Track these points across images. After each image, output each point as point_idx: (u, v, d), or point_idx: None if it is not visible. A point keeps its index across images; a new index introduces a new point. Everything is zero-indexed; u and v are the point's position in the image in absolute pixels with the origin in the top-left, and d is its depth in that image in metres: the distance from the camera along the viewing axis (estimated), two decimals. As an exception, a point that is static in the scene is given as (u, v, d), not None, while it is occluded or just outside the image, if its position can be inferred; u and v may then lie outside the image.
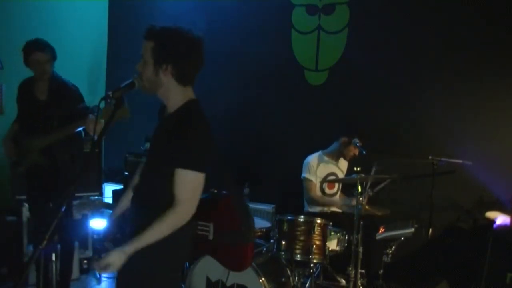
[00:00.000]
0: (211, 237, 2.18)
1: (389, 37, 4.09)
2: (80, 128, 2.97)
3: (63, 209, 1.61)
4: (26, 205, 3.62)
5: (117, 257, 1.66)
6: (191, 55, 1.92)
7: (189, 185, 1.76)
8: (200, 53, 1.98)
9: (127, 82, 1.87)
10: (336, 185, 3.87)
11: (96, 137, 1.83)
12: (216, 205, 2.18)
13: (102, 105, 1.86)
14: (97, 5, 5.20)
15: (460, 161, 3.52)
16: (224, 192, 2.39)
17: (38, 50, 3.02)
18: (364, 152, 3.53)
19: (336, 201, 3.85)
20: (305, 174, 3.84)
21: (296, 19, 4.45)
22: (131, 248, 1.68)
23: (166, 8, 5.03)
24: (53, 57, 3.11)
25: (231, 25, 4.70)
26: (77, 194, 4.07)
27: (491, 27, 3.76)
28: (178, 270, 1.99)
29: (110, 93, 1.84)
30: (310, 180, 3.80)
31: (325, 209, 3.84)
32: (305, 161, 3.89)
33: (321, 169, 3.84)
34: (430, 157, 3.55)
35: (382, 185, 3.40)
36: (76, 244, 3.88)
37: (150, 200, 1.85)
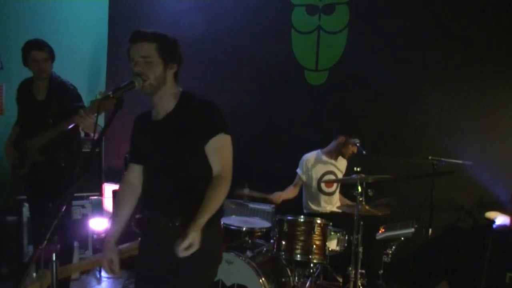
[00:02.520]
0: None
1: (389, 37, 4.09)
2: (72, 125, 2.94)
3: (63, 209, 1.61)
4: (26, 205, 3.63)
5: (196, 234, 1.67)
6: (181, 55, 2.07)
7: (227, 148, 1.92)
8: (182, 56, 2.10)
9: (127, 82, 1.87)
10: (334, 183, 3.88)
11: (95, 136, 1.85)
12: None
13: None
14: (97, 5, 5.20)
15: (460, 161, 3.52)
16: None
17: (35, 49, 3.04)
18: (364, 152, 3.54)
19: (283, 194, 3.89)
20: (297, 170, 3.92)
21: (296, 19, 4.45)
22: (201, 221, 1.71)
23: (166, 8, 5.03)
24: (51, 56, 3.11)
25: (231, 25, 4.71)
26: (77, 194, 4.11)
27: (491, 27, 3.77)
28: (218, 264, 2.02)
29: (110, 93, 1.84)
30: (300, 176, 3.89)
31: (327, 208, 3.86)
32: (302, 158, 3.92)
33: (317, 168, 3.85)
34: (430, 157, 3.55)
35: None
36: (76, 244, 3.89)
37: (190, 182, 1.90)
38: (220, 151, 1.90)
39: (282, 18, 4.48)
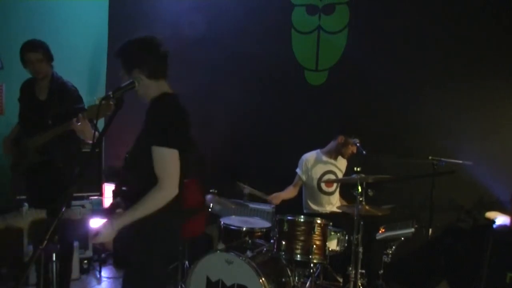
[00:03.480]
0: None
1: (389, 37, 4.09)
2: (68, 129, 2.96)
3: (63, 209, 1.61)
4: (26, 205, 3.63)
5: (107, 229, 1.91)
6: (148, 55, 2.11)
7: (163, 161, 1.95)
8: (154, 50, 2.16)
9: (127, 82, 1.88)
10: (334, 183, 3.88)
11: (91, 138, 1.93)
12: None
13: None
14: (97, 5, 5.20)
15: (460, 161, 3.52)
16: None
17: (29, 51, 3.03)
18: (364, 152, 3.54)
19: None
20: (297, 169, 3.92)
21: (296, 19, 4.45)
22: (118, 221, 1.92)
23: (166, 8, 5.03)
24: (47, 57, 3.09)
25: (231, 25, 4.71)
26: (77, 194, 4.11)
27: (491, 27, 3.77)
28: (169, 258, 2.19)
29: (110, 93, 1.85)
30: (299, 176, 3.89)
31: (326, 208, 3.86)
32: (302, 157, 3.92)
33: (317, 168, 3.85)
34: (430, 157, 3.56)
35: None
36: (76, 244, 3.89)
37: (138, 180, 2.07)
38: (157, 162, 1.95)
39: (282, 18, 4.49)
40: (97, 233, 1.92)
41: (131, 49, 2.10)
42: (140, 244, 2.04)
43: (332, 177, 3.84)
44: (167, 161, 1.95)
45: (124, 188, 2.09)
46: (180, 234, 2.18)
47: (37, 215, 2.14)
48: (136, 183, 2.08)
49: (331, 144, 3.90)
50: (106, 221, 1.94)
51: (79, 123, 2.73)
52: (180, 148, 1.98)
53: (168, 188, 1.95)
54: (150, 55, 2.09)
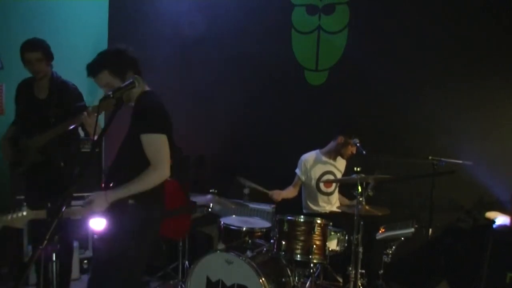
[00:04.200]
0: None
1: (389, 37, 4.09)
2: (73, 126, 2.96)
3: (63, 209, 1.61)
4: (26, 204, 3.62)
5: (100, 197, 2.03)
6: (115, 61, 2.23)
7: (155, 145, 2.08)
8: (118, 56, 2.25)
9: (127, 82, 1.88)
10: (333, 183, 3.88)
11: (95, 136, 1.95)
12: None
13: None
14: (97, 5, 5.20)
15: (460, 161, 3.52)
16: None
17: (28, 50, 3.02)
18: (364, 152, 3.54)
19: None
20: (296, 170, 3.92)
21: (296, 19, 4.45)
22: (112, 194, 2.05)
23: (166, 8, 5.03)
24: (46, 56, 3.09)
25: (231, 25, 4.71)
26: (77, 194, 4.11)
27: (491, 27, 3.77)
28: (146, 250, 2.24)
29: (110, 93, 1.86)
30: (298, 177, 3.91)
31: (326, 208, 3.86)
32: (301, 158, 3.92)
33: (316, 168, 3.85)
34: (430, 157, 3.55)
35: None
36: (76, 244, 3.89)
37: (126, 166, 2.20)
38: (149, 148, 2.09)
39: (282, 18, 4.48)
40: (90, 201, 2.02)
41: (113, 57, 2.22)
42: (120, 234, 2.14)
43: (331, 177, 3.84)
44: (158, 145, 2.08)
45: (112, 185, 2.12)
46: (159, 228, 2.27)
47: (36, 215, 2.15)
48: (125, 178, 2.12)
49: (331, 145, 3.90)
50: (100, 192, 2.06)
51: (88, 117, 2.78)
52: (167, 134, 2.12)
53: (161, 169, 2.08)
54: (128, 58, 2.25)
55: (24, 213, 2.11)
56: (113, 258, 2.14)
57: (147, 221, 2.17)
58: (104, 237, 2.22)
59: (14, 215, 2.08)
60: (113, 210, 2.13)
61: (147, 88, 2.28)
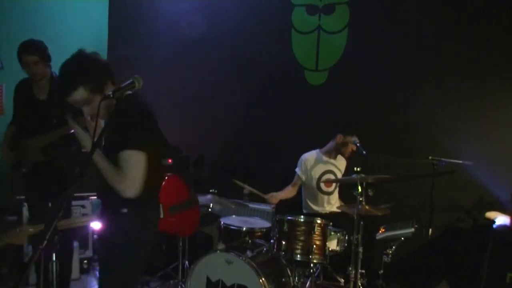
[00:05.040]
0: (162, 216, 2.56)
1: (389, 37, 4.09)
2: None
3: (63, 209, 1.61)
4: (26, 205, 3.62)
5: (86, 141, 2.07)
6: (89, 73, 2.02)
7: (128, 162, 1.95)
8: (91, 66, 2.04)
9: (127, 82, 1.88)
10: (334, 183, 3.88)
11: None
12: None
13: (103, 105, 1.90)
14: (97, 5, 5.20)
15: (460, 161, 3.52)
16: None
17: (24, 53, 3.01)
18: (364, 152, 3.54)
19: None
20: (296, 169, 3.92)
21: (296, 19, 4.45)
22: (98, 154, 2.00)
23: (166, 8, 5.03)
24: (43, 58, 3.06)
25: (231, 25, 4.71)
26: (77, 194, 4.11)
27: (491, 27, 3.76)
28: (143, 253, 2.19)
29: (110, 93, 1.85)
30: (299, 176, 3.90)
31: (326, 208, 3.86)
32: (301, 157, 3.92)
33: (316, 168, 3.85)
34: (430, 157, 3.55)
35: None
36: (76, 244, 3.89)
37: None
38: (121, 163, 1.96)
39: (282, 18, 4.48)
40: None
41: (85, 69, 2.01)
42: (117, 237, 2.09)
43: (331, 177, 3.84)
44: (132, 162, 1.95)
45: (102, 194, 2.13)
46: (155, 229, 2.22)
47: (35, 229, 2.15)
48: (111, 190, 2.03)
49: (330, 144, 3.90)
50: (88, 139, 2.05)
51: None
52: (147, 149, 1.97)
53: (126, 185, 1.94)
54: (102, 66, 2.09)
55: (22, 230, 2.07)
56: (110, 262, 2.14)
57: (140, 230, 2.12)
58: (101, 241, 2.21)
59: (12, 233, 2.04)
60: (107, 217, 2.12)
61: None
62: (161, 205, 2.67)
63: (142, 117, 2.02)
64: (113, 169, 1.97)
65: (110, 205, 2.13)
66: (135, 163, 1.95)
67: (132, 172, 1.94)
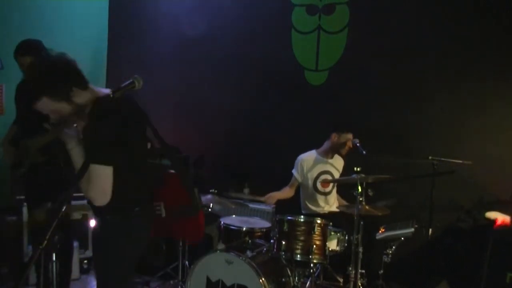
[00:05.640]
0: (163, 214, 2.48)
1: (389, 37, 4.09)
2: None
3: (63, 209, 1.61)
4: (26, 204, 3.63)
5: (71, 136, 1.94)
6: (51, 81, 1.85)
7: (92, 173, 1.85)
8: (53, 73, 1.86)
9: (127, 82, 1.88)
10: (331, 183, 3.88)
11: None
12: (164, 185, 2.35)
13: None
14: (97, 5, 5.19)
15: (460, 161, 3.52)
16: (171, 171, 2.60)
17: (21, 55, 3.01)
18: (364, 152, 3.54)
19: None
20: (293, 170, 3.92)
21: (296, 19, 4.45)
22: (73, 138, 1.95)
23: (166, 8, 5.03)
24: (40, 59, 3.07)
25: (231, 25, 4.71)
26: (77, 194, 4.11)
27: (491, 27, 3.77)
28: (138, 251, 2.16)
29: (110, 93, 1.85)
30: (295, 177, 3.90)
31: (324, 209, 3.86)
32: (297, 158, 3.92)
33: (313, 168, 3.85)
34: (430, 157, 3.55)
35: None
36: (76, 244, 3.89)
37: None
38: (91, 176, 1.87)
39: (282, 18, 4.48)
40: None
41: (47, 77, 1.85)
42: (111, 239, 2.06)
43: (328, 177, 3.84)
44: (97, 175, 1.85)
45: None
46: (147, 228, 2.17)
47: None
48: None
49: (326, 144, 3.90)
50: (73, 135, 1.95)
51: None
52: (119, 162, 1.88)
53: (93, 198, 1.91)
54: (66, 70, 1.90)
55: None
56: (99, 264, 2.15)
57: (128, 237, 2.08)
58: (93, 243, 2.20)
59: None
60: (98, 222, 2.11)
61: (100, 93, 1.97)
62: (162, 204, 2.63)
63: (115, 125, 1.88)
64: (85, 178, 1.88)
65: (98, 208, 2.05)
66: (99, 176, 1.86)
67: (97, 184, 1.86)
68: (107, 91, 1.94)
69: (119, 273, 2.12)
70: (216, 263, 2.96)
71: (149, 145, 2.12)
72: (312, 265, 3.10)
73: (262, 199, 3.80)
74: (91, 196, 1.91)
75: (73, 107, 1.87)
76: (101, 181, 1.87)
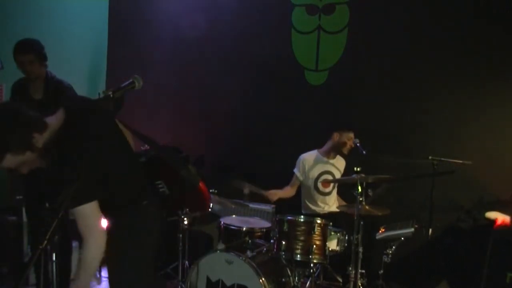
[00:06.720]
0: (167, 191, 2.45)
1: (389, 37, 4.09)
2: None
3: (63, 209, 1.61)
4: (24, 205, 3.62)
5: None
6: (12, 138, 1.78)
7: (82, 218, 1.83)
8: (11, 129, 1.79)
9: (127, 82, 1.88)
10: (331, 184, 3.88)
11: None
12: (159, 163, 2.41)
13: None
14: (97, 5, 5.19)
15: (460, 161, 3.52)
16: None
17: (19, 53, 3.01)
18: (364, 152, 3.54)
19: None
20: (294, 169, 3.92)
21: (296, 19, 4.45)
22: (78, 284, 1.93)
23: (166, 8, 5.03)
24: (39, 57, 3.05)
25: (231, 25, 4.71)
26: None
27: (491, 27, 3.77)
28: (151, 255, 2.23)
29: (110, 93, 1.85)
30: (297, 176, 3.90)
31: (324, 209, 3.86)
32: (299, 157, 3.92)
33: (314, 168, 3.85)
34: (430, 157, 3.55)
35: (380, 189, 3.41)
36: (76, 244, 3.88)
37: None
38: (77, 221, 1.85)
39: (282, 18, 4.48)
40: None
41: (6, 134, 1.75)
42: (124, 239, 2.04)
43: (329, 177, 3.84)
44: (87, 215, 1.82)
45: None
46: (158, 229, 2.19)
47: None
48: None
49: (328, 144, 3.90)
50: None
51: None
52: (98, 194, 1.84)
53: (93, 237, 1.86)
54: (24, 122, 1.84)
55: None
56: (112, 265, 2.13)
57: (143, 230, 2.11)
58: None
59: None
60: (111, 223, 2.06)
61: (54, 123, 1.92)
62: (162, 181, 2.51)
63: (86, 150, 1.85)
64: (83, 268, 1.92)
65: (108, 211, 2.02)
66: (89, 214, 1.82)
67: (89, 222, 1.84)
68: (59, 115, 1.93)
69: (141, 267, 2.14)
70: (216, 263, 2.96)
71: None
72: (312, 265, 3.10)
73: (264, 193, 3.80)
74: (92, 239, 1.85)
75: (38, 152, 1.80)
76: (92, 217, 1.83)
